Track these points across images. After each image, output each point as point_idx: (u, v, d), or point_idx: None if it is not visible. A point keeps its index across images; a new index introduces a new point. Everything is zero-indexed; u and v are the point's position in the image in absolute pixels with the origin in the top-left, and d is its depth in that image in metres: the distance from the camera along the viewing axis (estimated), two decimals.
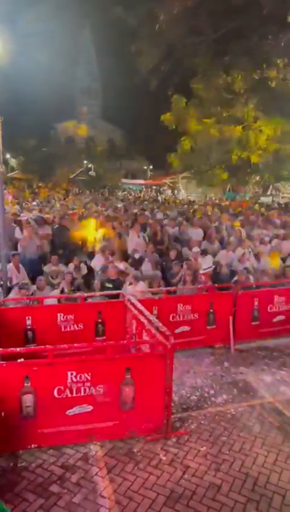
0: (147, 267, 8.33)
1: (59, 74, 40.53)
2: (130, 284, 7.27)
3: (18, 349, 4.32)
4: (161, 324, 4.95)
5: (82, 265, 8.36)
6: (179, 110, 23.42)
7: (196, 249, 8.66)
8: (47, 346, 4.31)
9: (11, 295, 6.96)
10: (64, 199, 24.20)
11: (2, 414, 4.17)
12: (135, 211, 14.43)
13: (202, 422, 4.88)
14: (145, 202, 21.36)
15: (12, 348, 4.26)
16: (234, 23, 16.15)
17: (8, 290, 7.23)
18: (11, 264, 8.04)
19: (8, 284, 7.32)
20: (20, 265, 8.15)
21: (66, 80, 47.73)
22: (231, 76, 18.97)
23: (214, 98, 20.96)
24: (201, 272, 7.73)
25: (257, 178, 30.38)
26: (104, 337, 6.36)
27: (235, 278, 7.66)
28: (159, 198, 30.02)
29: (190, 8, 15.82)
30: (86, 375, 4.30)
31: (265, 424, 4.87)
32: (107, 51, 46.80)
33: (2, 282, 7.13)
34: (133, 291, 6.91)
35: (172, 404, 5.06)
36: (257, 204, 22.29)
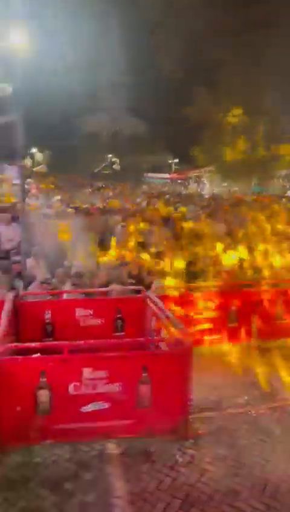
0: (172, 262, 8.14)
1: (83, 68, 40.58)
2: (156, 278, 7.19)
3: (34, 344, 4.29)
4: (179, 321, 4.82)
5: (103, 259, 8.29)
6: (203, 102, 23.03)
7: (217, 245, 8.45)
8: (62, 342, 4.26)
9: (31, 289, 6.98)
10: (88, 193, 24.26)
11: (18, 409, 4.16)
12: (157, 205, 14.27)
13: (221, 423, 4.73)
14: (167, 196, 21.13)
15: (28, 343, 4.23)
16: (256, 12, 15.62)
17: (29, 284, 7.25)
18: (31, 259, 8.07)
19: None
20: (40, 260, 8.17)
21: (90, 75, 47.72)
22: (255, 67, 18.48)
23: (238, 89, 20.47)
24: (223, 268, 7.52)
25: (285, 172, 29.57)
26: (123, 333, 6.28)
27: (258, 275, 7.41)
28: (183, 192, 29.69)
29: None
30: (102, 372, 4.23)
31: (287, 427, 4.66)
32: (131, 44, 46.48)
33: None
34: (160, 286, 6.82)
35: (190, 404, 4.94)
36: (284, 199, 21.68)
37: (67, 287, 6.99)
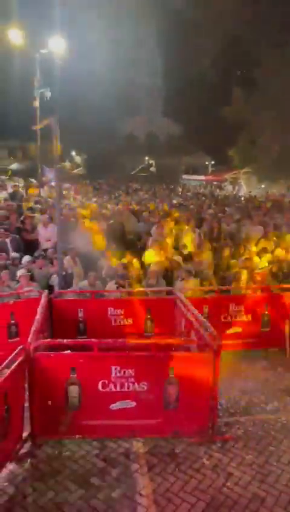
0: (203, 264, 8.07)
1: (120, 71, 40.98)
2: (182, 279, 7.16)
3: (65, 340, 4.43)
4: (209, 324, 4.80)
5: (135, 260, 8.38)
6: (240, 103, 22.65)
7: (251, 248, 8.29)
8: (92, 339, 4.36)
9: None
10: (125, 195, 24.50)
11: (49, 403, 4.31)
12: (191, 206, 14.22)
13: (250, 429, 4.66)
14: (203, 198, 20.95)
15: (59, 340, 4.37)
16: None
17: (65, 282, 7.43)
18: (68, 257, 8.29)
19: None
20: (77, 259, 8.38)
21: (127, 77, 48.17)
22: None
23: (277, 88, 19.94)
24: (257, 271, 7.38)
25: None
26: (153, 333, 6.33)
27: None
28: (218, 193, 29.32)
29: None
30: (130, 371, 4.29)
31: None
32: (168, 45, 46.41)
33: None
34: (184, 287, 6.80)
35: (219, 407, 4.91)
36: None
37: (110, 286, 7.09)
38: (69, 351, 4.41)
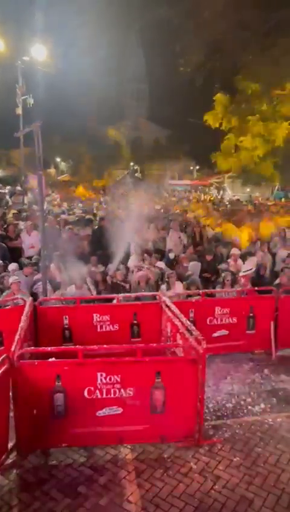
0: (195, 268, 8.10)
1: (105, 77, 41.13)
2: (167, 284, 7.17)
3: (49, 348, 4.38)
4: (194, 328, 4.81)
5: (121, 266, 8.37)
6: (223, 107, 22.93)
7: (235, 251, 8.36)
8: (77, 346, 4.33)
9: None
10: (110, 201, 24.46)
11: (34, 412, 4.25)
12: (177, 211, 14.31)
13: (237, 431, 4.67)
14: (187, 202, 21.09)
15: (43, 347, 4.32)
16: (283, 14, 15.55)
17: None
18: (53, 264, 8.23)
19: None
20: (61, 265, 8.32)
21: (112, 83, 48.36)
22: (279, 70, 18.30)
23: (259, 93, 20.25)
24: (241, 274, 7.44)
25: None
26: (140, 339, 6.31)
27: (278, 281, 7.30)
28: (202, 198, 29.57)
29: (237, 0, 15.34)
30: (115, 377, 4.26)
31: None
32: (152, 51, 46.85)
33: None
34: (170, 292, 6.81)
35: (206, 411, 4.92)
36: None
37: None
38: (53, 359, 4.36)
